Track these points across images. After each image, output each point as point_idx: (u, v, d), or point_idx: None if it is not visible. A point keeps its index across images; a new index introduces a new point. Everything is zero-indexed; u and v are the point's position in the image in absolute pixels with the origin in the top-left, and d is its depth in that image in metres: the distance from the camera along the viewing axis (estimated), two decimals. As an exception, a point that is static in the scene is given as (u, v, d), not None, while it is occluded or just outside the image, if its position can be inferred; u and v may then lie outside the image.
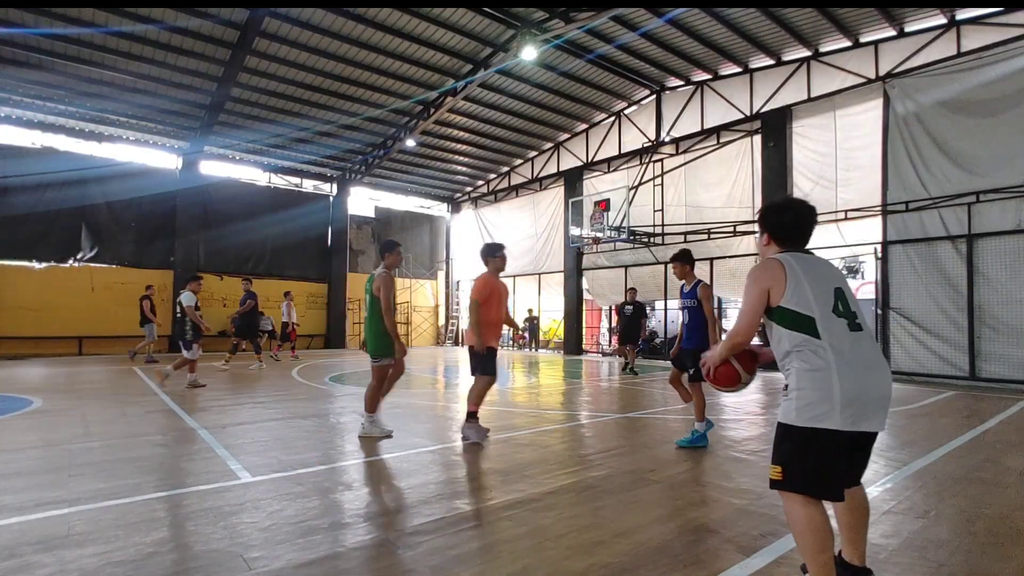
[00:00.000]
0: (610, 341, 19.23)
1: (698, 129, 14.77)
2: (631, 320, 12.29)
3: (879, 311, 11.44)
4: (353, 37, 12.51)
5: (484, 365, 5.22)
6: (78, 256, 15.52)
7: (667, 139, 15.55)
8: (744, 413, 7.02)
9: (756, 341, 2.43)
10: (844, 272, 2.48)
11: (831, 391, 2.03)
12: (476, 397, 5.22)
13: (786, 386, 2.19)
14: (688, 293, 5.32)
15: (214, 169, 17.99)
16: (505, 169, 21.14)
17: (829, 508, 2.17)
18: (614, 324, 20.03)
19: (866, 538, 2.33)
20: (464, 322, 23.19)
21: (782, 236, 2.35)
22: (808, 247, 2.37)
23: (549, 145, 19.17)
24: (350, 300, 20.43)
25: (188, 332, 8.25)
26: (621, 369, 12.18)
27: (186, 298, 8.32)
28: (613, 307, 19.06)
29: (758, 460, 4.56)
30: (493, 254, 5.49)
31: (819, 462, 2.06)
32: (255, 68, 13.38)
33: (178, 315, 8.54)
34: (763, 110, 13.26)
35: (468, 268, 22.95)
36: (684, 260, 5.30)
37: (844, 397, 2.02)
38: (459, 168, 21.01)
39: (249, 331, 11.96)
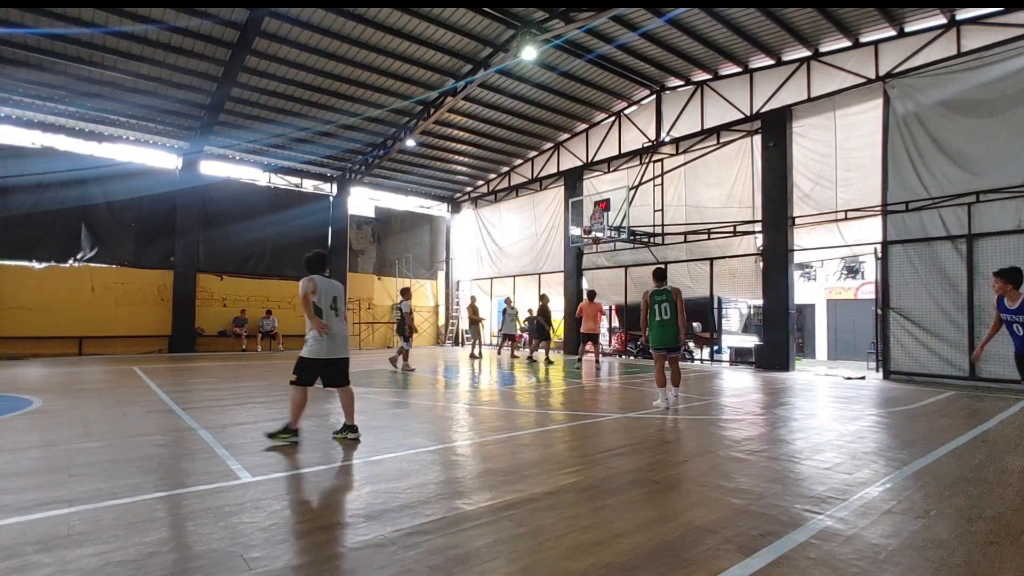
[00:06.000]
0: (610, 341, 19.23)
1: (698, 129, 14.75)
2: None
3: (879, 311, 11.44)
4: (353, 37, 12.51)
5: None
6: (78, 256, 15.51)
7: (667, 139, 15.54)
8: (744, 413, 7.02)
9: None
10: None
11: (323, 343, 4.89)
12: None
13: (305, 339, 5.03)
14: None
15: (214, 169, 17.98)
16: (505, 169, 21.13)
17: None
18: (614, 324, 20.05)
19: (353, 412, 5.09)
20: (464, 323, 23.18)
21: (313, 268, 5.13)
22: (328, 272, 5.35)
23: (549, 145, 19.17)
24: (350, 300, 20.43)
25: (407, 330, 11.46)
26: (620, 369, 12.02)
27: (404, 306, 11.48)
28: (614, 307, 19.08)
29: (758, 460, 4.56)
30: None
31: (310, 372, 4.92)
32: (255, 68, 13.38)
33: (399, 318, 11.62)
34: (763, 110, 13.25)
35: (468, 268, 22.97)
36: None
37: (326, 347, 4.90)
38: (459, 168, 21.00)
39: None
